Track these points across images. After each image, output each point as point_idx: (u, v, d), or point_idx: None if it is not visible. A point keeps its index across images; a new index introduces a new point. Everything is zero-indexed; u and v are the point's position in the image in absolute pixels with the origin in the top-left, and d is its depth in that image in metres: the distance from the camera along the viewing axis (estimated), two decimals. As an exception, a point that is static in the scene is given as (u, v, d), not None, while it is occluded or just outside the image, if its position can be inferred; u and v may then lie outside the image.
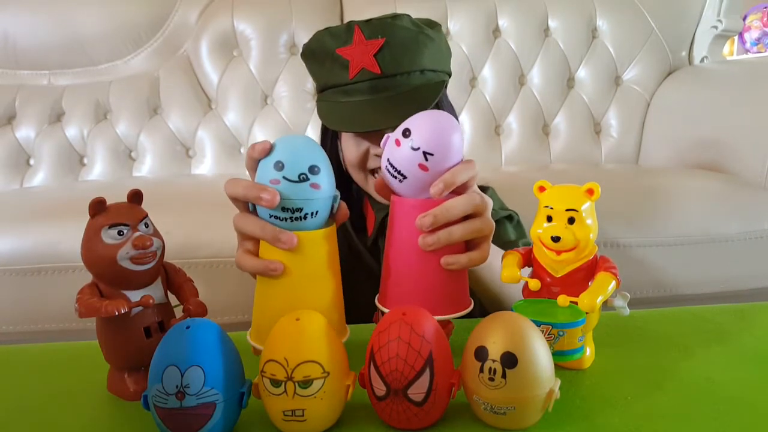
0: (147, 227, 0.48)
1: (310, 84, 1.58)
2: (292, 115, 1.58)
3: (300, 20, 1.58)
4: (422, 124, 0.50)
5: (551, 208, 0.50)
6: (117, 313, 0.45)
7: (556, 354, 0.48)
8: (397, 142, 0.50)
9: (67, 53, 1.60)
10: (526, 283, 0.53)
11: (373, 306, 0.56)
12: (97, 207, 0.47)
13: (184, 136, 1.58)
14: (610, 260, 0.52)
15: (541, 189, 0.52)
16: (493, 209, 0.80)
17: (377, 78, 0.70)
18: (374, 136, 0.73)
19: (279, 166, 0.46)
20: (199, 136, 1.58)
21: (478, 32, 1.60)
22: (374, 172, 0.76)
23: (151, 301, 0.48)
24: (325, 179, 0.47)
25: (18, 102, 1.56)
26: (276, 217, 0.47)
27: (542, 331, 0.47)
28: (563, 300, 0.50)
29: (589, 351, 0.53)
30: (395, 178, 0.50)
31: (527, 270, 0.55)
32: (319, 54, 0.75)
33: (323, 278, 0.50)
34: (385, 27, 0.71)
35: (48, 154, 1.54)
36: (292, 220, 0.47)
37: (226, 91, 1.59)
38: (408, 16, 0.74)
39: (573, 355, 0.49)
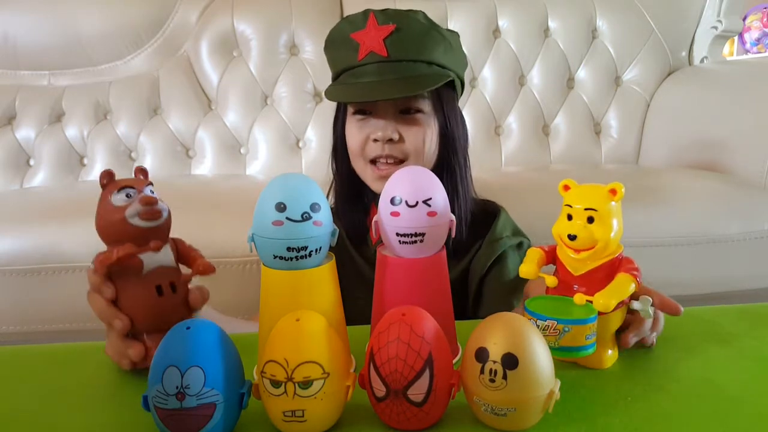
0: (152, 193, 0.51)
1: (310, 84, 1.58)
2: (292, 115, 1.57)
3: (300, 20, 1.58)
4: (401, 184, 0.51)
5: (571, 207, 0.50)
6: (128, 254, 0.48)
7: (561, 349, 0.48)
8: (394, 214, 0.50)
9: (67, 53, 1.59)
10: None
11: (370, 314, 0.56)
12: (107, 177, 0.51)
13: (184, 136, 1.58)
14: (633, 261, 0.52)
15: (566, 188, 0.52)
16: (501, 237, 0.80)
17: (383, 61, 0.74)
18: (374, 122, 0.78)
19: (281, 207, 0.46)
20: (199, 137, 1.58)
21: (478, 32, 1.60)
22: (373, 161, 0.79)
23: (159, 244, 0.51)
24: (326, 215, 0.48)
25: (18, 102, 1.56)
26: (282, 258, 0.47)
27: (548, 326, 0.48)
28: (579, 298, 0.50)
29: (611, 351, 0.53)
30: (414, 242, 0.51)
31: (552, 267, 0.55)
32: (336, 40, 0.79)
33: (330, 310, 0.50)
34: (399, 16, 0.75)
35: (48, 155, 1.54)
36: (297, 259, 0.47)
37: (226, 92, 1.58)
38: (423, 12, 0.78)
39: (578, 352, 0.49)
